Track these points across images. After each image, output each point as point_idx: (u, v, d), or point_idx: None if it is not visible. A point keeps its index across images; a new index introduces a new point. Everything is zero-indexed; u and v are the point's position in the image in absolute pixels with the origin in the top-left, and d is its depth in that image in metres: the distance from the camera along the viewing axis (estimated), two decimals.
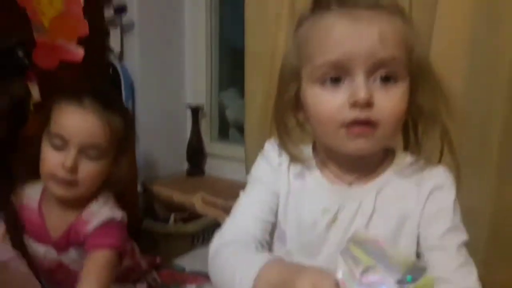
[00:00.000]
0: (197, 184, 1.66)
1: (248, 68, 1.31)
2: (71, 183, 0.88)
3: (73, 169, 0.86)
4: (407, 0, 1.01)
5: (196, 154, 1.77)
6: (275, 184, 0.71)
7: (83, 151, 0.88)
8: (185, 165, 1.80)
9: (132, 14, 1.63)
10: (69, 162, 0.85)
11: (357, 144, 0.61)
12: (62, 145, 0.87)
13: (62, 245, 0.92)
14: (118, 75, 1.59)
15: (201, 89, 1.78)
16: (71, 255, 0.93)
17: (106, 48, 1.62)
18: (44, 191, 0.95)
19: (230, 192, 1.57)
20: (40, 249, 0.93)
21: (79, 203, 0.92)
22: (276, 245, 0.72)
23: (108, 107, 0.90)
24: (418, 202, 0.66)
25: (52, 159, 0.87)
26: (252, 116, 1.32)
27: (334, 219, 0.67)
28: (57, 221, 0.93)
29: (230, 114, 1.81)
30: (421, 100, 0.62)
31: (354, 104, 0.58)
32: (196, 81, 1.78)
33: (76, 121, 0.87)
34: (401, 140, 0.70)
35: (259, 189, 0.72)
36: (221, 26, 1.77)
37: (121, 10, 1.58)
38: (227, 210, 1.46)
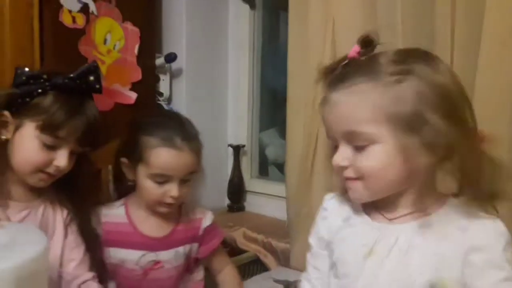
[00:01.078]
0: (237, 219, 1.72)
1: (290, 113, 1.37)
2: (174, 204, 1.06)
3: (179, 197, 1.04)
4: (449, 45, 1.04)
5: (236, 191, 1.85)
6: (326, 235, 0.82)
7: (182, 179, 1.04)
8: (226, 201, 1.87)
9: (181, 62, 1.77)
10: (175, 193, 1.03)
11: (352, 193, 0.74)
12: (164, 180, 1.03)
13: (164, 245, 1.09)
14: None
15: (243, 129, 1.88)
16: (170, 254, 1.09)
17: (156, 92, 1.75)
18: (128, 206, 1.11)
19: (269, 228, 1.63)
20: (134, 255, 1.07)
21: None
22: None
23: (193, 138, 1.05)
24: (460, 249, 0.68)
25: (157, 191, 1.03)
26: (293, 158, 1.37)
27: (370, 252, 0.72)
28: (154, 226, 1.10)
29: (270, 153, 1.89)
30: (459, 156, 0.66)
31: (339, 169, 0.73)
32: (238, 122, 1.89)
33: (175, 162, 1.02)
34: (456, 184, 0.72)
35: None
36: (262, 71, 1.89)
37: (171, 58, 1.72)
38: (266, 246, 1.52)
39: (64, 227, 1.01)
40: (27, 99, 0.90)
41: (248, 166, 1.88)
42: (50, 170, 0.93)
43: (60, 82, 0.91)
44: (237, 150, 1.83)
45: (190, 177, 1.05)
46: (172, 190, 1.03)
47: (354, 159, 0.70)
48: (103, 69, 1.56)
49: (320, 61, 1.21)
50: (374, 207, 0.76)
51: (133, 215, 1.10)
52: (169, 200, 1.04)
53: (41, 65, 1.32)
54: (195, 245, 1.14)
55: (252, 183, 1.87)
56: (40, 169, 0.92)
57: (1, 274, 0.58)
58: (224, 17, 1.88)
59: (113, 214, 1.09)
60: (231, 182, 1.84)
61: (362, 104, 0.68)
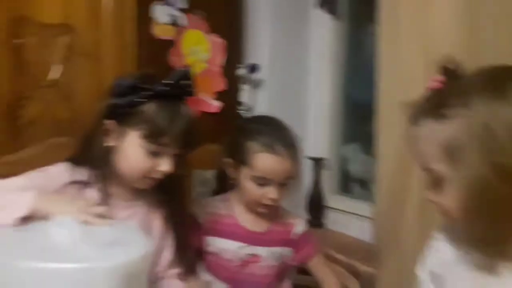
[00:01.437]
0: (316, 236, 1.67)
1: (382, 129, 1.31)
2: (271, 206, 1.13)
3: (277, 199, 1.11)
4: None
5: (315, 206, 1.79)
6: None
7: (281, 183, 1.11)
8: (303, 216, 1.82)
9: (262, 72, 1.76)
10: (274, 195, 1.10)
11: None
12: (264, 183, 1.11)
13: (261, 241, 1.16)
14: None
15: (323, 142, 1.83)
16: (266, 252, 1.16)
17: (238, 102, 1.76)
18: (230, 201, 1.19)
19: (352, 249, 1.56)
20: (233, 245, 1.14)
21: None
22: None
23: (293, 146, 1.12)
24: None
25: (257, 192, 1.12)
26: (384, 175, 1.31)
27: None
28: (253, 221, 1.17)
29: (352, 169, 1.82)
30: None
31: None
32: (318, 134, 1.84)
33: (275, 167, 1.10)
34: None
35: None
36: (344, 83, 1.83)
37: (254, 69, 1.72)
38: (347, 267, 1.45)
39: (161, 227, 1.04)
40: (129, 109, 0.93)
41: (328, 181, 1.82)
42: (156, 175, 0.96)
43: (160, 89, 0.93)
44: (317, 163, 1.78)
45: (288, 181, 1.12)
46: (271, 192, 1.10)
47: (435, 195, 0.69)
48: None
49: (413, 77, 1.16)
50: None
51: (236, 209, 1.18)
52: (268, 202, 1.11)
53: None
54: (288, 250, 1.20)
55: (333, 199, 1.80)
56: (146, 175, 0.95)
57: (107, 271, 0.59)
58: (306, 27, 1.85)
59: (217, 206, 1.18)
60: (310, 196, 1.79)
61: (429, 142, 0.67)
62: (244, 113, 1.74)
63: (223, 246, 1.15)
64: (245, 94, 1.77)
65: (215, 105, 1.68)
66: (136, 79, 0.95)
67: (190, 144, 0.99)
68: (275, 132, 1.13)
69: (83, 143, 0.98)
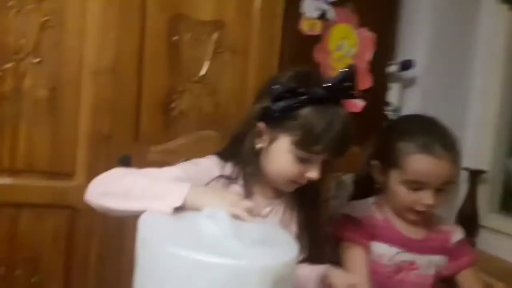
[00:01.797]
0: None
1: None
2: (425, 213, 1.04)
3: (433, 205, 1.01)
4: None
5: (467, 223, 1.57)
6: None
7: (437, 188, 1.01)
8: None
9: (416, 69, 1.60)
10: (430, 201, 1.01)
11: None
12: (418, 187, 1.01)
13: (419, 249, 1.08)
14: None
15: (484, 152, 1.59)
16: (424, 260, 1.08)
17: (384, 102, 1.63)
18: (382, 208, 1.11)
19: (505, 274, 1.34)
20: (390, 250, 1.07)
21: None
22: None
23: (453, 147, 1.02)
24: None
25: (410, 197, 1.03)
26: None
27: None
28: (409, 228, 1.09)
29: None
30: None
31: None
32: (479, 143, 1.60)
33: (432, 170, 1.00)
34: None
35: None
36: None
37: (407, 66, 1.57)
38: None
39: (295, 229, 1.02)
40: (284, 114, 0.89)
41: (486, 196, 1.58)
42: (302, 181, 0.93)
43: (319, 94, 0.88)
44: (475, 175, 1.56)
45: (445, 186, 1.02)
46: (426, 198, 1.01)
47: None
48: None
49: None
50: None
51: (387, 214, 1.10)
52: (421, 208, 1.02)
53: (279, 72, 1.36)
54: (444, 259, 1.11)
55: (489, 217, 1.57)
56: (292, 181, 0.93)
57: (258, 271, 0.57)
58: (474, 19, 1.62)
59: (367, 210, 1.10)
60: (462, 211, 1.58)
61: None
62: (390, 114, 1.60)
63: (379, 251, 1.08)
64: (394, 94, 1.64)
65: (358, 104, 1.58)
66: (293, 82, 0.91)
67: (343, 152, 0.93)
68: (433, 132, 1.03)
69: (233, 140, 0.98)
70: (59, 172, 1.30)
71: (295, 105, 0.88)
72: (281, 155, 0.91)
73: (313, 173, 0.90)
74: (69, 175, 1.30)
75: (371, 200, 1.14)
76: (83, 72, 1.27)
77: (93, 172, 1.29)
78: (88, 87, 1.27)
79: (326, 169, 0.94)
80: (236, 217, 0.72)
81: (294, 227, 1.01)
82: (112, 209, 0.83)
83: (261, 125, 0.92)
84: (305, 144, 0.87)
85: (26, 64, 1.23)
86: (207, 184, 0.94)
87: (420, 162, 1.00)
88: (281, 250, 0.64)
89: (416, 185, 1.01)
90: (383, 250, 1.07)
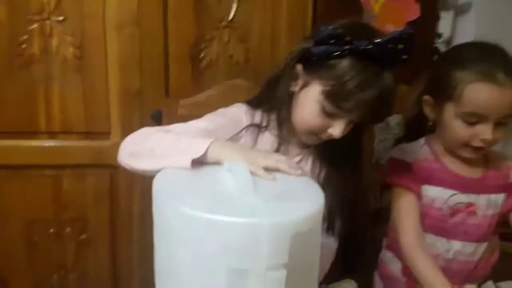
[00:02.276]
0: None
1: None
2: (483, 148, 0.96)
3: (492, 140, 0.94)
4: None
5: None
6: None
7: (498, 121, 0.93)
8: None
9: None
10: (488, 136, 0.93)
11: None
12: (476, 121, 0.93)
13: (476, 188, 1.02)
14: None
15: None
16: (482, 200, 1.02)
17: (435, 33, 1.48)
18: (431, 146, 1.05)
19: None
20: (444, 193, 1.01)
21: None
22: None
23: None
24: None
25: (466, 133, 0.95)
26: None
27: None
28: (464, 167, 1.02)
29: None
30: None
31: None
32: None
33: (494, 100, 0.91)
34: None
35: None
36: None
37: None
38: None
39: (322, 179, 0.99)
40: (323, 59, 0.83)
41: None
42: (323, 136, 0.89)
43: (362, 48, 0.80)
44: None
45: (507, 120, 0.94)
46: (485, 132, 0.93)
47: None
48: (376, 7, 1.39)
49: None
50: None
51: (439, 154, 1.04)
52: (478, 144, 0.95)
53: (314, 10, 1.25)
54: (503, 196, 1.04)
55: None
56: (313, 133, 0.90)
57: (274, 227, 0.53)
58: None
59: (419, 152, 1.04)
60: None
61: None
62: (441, 47, 1.46)
63: (432, 194, 1.01)
64: (445, 23, 1.49)
65: (416, 9, 1.41)
66: (341, 28, 0.83)
67: (374, 118, 0.89)
68: (495, 58, 0.92)
69: (268, 84, 0.95)
70: (95, 132, 1.29)
71: (336, 52, 0.81)
72: (308, 103, 0.87)
73: (335, 130, 0.85)
74: (105, 134, 1.29)
75: (422, 140, 1.06)
76: (107, 27, 1.22)
77: (128, 130, 1.27)
78: (114, 42, 1.23)
79: (358, 132, 0.92)
80: (256, 173, 0.68)
81: (321, 181, 0.98)
82: (139, 169, 0.81)
83: (299, 67, 0.88)
84: (334, 98, 0.82)
85: (51, 23, 1.20)
86: (237, 134, 0.91)
87: (480, 91, 0.91)
88: (300, 205, 0.59)
89: (474, 118, 0.92)
90: (436, 193, 1.01)
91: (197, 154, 0.71)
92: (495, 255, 1.08)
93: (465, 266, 1.03)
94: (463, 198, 1.01)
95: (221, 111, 0.96)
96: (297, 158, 0.96)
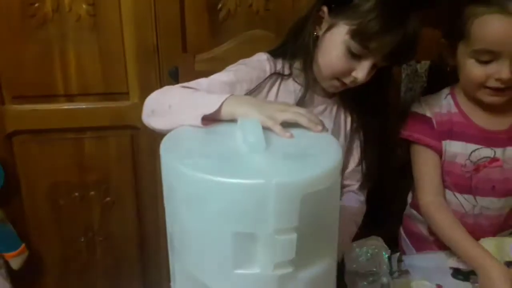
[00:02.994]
0: None
1: None
2: (504, 90, 0.88)
3: (509, 80, 0.85)
4: None
5: None
6: None
7: None
8: None
9: None
10: (505, 75, 0.84)
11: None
12: (491, 59, 0.85)
13: (502, 141, 0.95)
14: None
15: None
16: (510, 152, 0.95)
17: None
18: (456, 96, 0.98)
19: None
20: (466, 148, 0.95)
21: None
22: None
23: None
24: None
25: (479, 72, 0.87)
26: None
27: None
28: (490, 118, 0.96)
29: None
30: None
31: None
32: None
33: (507, 33, 0.82)
34: None
35: None
36: None
37: None
38: None
39: (348, 133, 0.98)
40: None
41: None
42: (347, 80, 0.87)
43: None
44: None
45: None
46: (501, 70, 0.84)
47: None
48: None
49: None
50: None
51: (463, 105, 0.97)
52: (495, 84, 0.86)
53: None
54: None
55: None
56: (337, 77, 0.87)
57: (282, 187, 0.49)
58: None
59: (442, 105, 0.98)
60: None
61: None
62: None
63: (454, 150, 0.96)
64: None
65: None
66: None
67: (402, 58, 0.87)
68: None
69: (292, 29, 0.93)
70: (113, 93, 1.27)
71: None
72: (333, 45, 0.85)
73: (359, 73, 0.84)
74: (123, 95, 1.27)
75: (446, 91, 0.99)
76: None
77: (146, 89, 1.26)
78: None
79: (384, 81, 0.91)
80: (272, 129, 0.63)
81: (347, 130, 0.97)
82: (158, 128, 0.77)
83: (324, 9, 0.87)
84: (360, 36, 0.81)
85: None
86: (261, 83, 0.88)
87: (489, 25, 0.83)
88: (313, 164, 0.54)
89: (486, 56, 0.85)
90: (458, 149, 0.95)
91: (210, 110, 0.66)
92: None
93: (495, 220, 0.98)
94: (487, 152, 0.94)
95: (242, 61, 0.93)
96: (321, 108, 0.94)
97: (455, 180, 0.97)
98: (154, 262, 1.41)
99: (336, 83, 0.88)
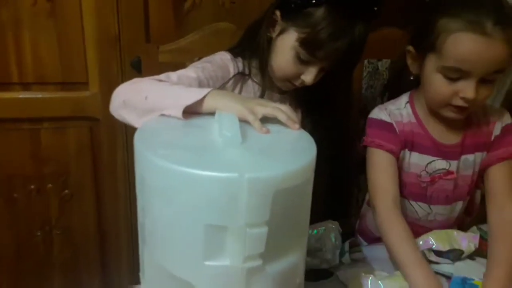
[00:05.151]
0: None
1: None
2: (466, 108, 0.85)
3: (473, 100, 0.82)
4: None
5: None
6: None
7: (483, 78, 0.82)
8: None
9: None
10: (470, 94, 0.82)
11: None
12: (459, 77, 0.82)
13: (457, 153, 0.94)
14: None
15: None
16: (461, 161, 0.95)
17: None
18: (414, 104, 0.96)
19: None
20: (422, 159, 0.95)
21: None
22: None
23: (509, 24, 0.78)
24: None
25: (446, 90, 0.84)
26: None
27: None
28: (443, 132, 0.94)
29: None
30: None
31: None
32: None
33: (479, 53, 0.79)
34: None
35: None
36: None
37: None
38: None
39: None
40: (300, 6, 0.84)
41: None
42: (296, 82, 0.90)
43: None
44: None
45: (494, 77, 0.82)
46: (467, 90, 0.81)
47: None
48: None
49: None
50: None
51: (421, 116, 0.95)
52: (459, 103, 0.84)
53: None
54: (483, 154, 0.95)
55: None
56: (288, 79, 0.90)
57: (256, 182, 0.49)
58: None
59: (402, 114, 0.96)
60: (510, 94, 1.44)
61: None
62: None
63: (411, 160, 0.94)
64: None
65: None
66: None
67: (346, 67, 0.90)
68: (486, 5, 0.79)
69: (249, 30, 0.96)
70: (72, 82, 1.22)
71: (312, 0, 0.82)
72: (284, 49, 0.88)
73: (307, 77, 0.87)
74: (82, 85, 1.23)
75: (405, 98, 0.97)
76: None
77: (106, 79, 1.23)
78: None
79: (340, 78, 0.93)
80: (250, 121, 0.64)
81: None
82: (131, 121, 0.74)
83: (277, 13, 0.89)
84: (308, 45, 0.84)
85: None
86: (226, 83, 0.91)
87: (463, 43, 0.79)
88: (287, 160, 0.55)
89: (456, 74, 0.82)
90: (415, 159, 0.95)
91: (192, 100, 0.66)
92: (476, 206, 1.04)
93: (445, 223, 1.00)
94: (442, 164, 0.94)
95: (206, 59, 0.93)
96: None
97: (410, 189, 0.96)
98: (113, 257, 1.39)
99: (288, 84, 0.92)
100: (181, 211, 0.50)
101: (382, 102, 1.08)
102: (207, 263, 0.51)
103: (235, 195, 0.48)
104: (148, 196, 0.54)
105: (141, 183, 0.55)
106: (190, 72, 0.85)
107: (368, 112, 1.02)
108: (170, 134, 0.60)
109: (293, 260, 0.56)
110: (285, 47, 0.87)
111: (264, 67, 0.92)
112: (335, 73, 0.91)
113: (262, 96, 0.93)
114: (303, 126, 0.96)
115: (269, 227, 0.50)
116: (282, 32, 0.87)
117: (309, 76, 0.87)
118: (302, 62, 0.86)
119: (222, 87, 0.89)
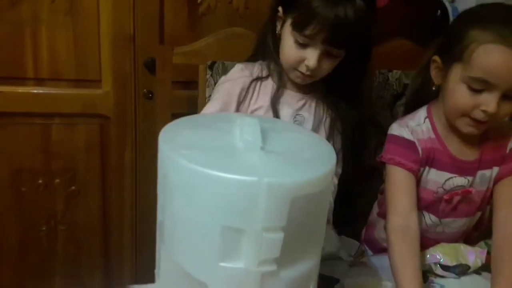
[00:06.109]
0: None
1: None
2: (484, 123, 0.85)
3: (494, 114, 0.82)
4: None
5: None
6: None
7: (506, 94, 0.82)
8: None
9: None
10: (492, 108, 0.81)
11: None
12: (483, 88, 0.82)
13: (473, 170, 0.93)
14: (447, 18, 1.41)
15: None
16: (477, 179, 0.94)
17: None
18: (433, 119, 0.95)
19: None
20: (439, 176, 0.94)
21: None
22: None
23: None
24: None
25: (467, 100, 0.83)
26: None
27: None
28: (462, 148, 0.93)
29: None
30: None
31: None
32: None
33: (508, 66, 0.79)
34: None
35: None
36: None
37: None
38: None
39: (328, 124, 1.01)
40: None
41: None
42: (302, 69, 0.90)
43: None
44: None
45: None
46: (489, 103, 0.81)
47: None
48: None
49: None
50: None
51: (440, 131, 0.94)
52: (479, 116, 0.83)
53: None
54: (497, 170, 0.94)
55: None
56: (294, 67, 0.91)
57: (270, 187, 0.49)
58: None
59: (422, 130, 0.94)
60: None
61: None
62: (444, 1, 1.43)
63: (429, 177, 0.93)
64: None
65: None
66: None
67: (346, 43, 0.87)
68: None
69: (260, 31, 0.99)
70: (85, 80, 1.24)
71: None
72: (285, 39, 0.90)
73: (310, 61, 0.88)
74: (95, 82, 1.24)
75: (423, 114, 0.95)
76: None
77: (119, 78, 1.24)
78: None
79: (355, 68, 0.93)
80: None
81: (327, 122, 1.00)
82: None
83: (280, 9, 0.92)
84: (298, 25, 0.86)
85: None
86: (246, 94, 0.95)
87: (493, 54, 0.79)
88: (306, 167, 0.55)
89: (480, 85, 0.81)
90: (433, 176, 0.93)
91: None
92: (485, 221, 1.02)
93: (454, 236, 1.00)
94: (461, 181, 0.93)
95: (224, 79, 0.98)
96: (301, 103, 0.98)
97: (425, 204, 0.96)
98: (116, 253, 1.40)
99: (297, 73, 0.92)
100: (200, 211, 0.51)
101: (391, 113, 1.09)
102: (222, 264, 0.52)
103: (253, 199, 0.49)
104: (169, 195, 0.55)
105: (163, 181, 0.56)
106: (211, 107, 0.93)
107: (378, 121, 1.03)
108: (193, 135, 0.61)
109: (307, 267, 0.56)
110: (286, 36, 0.90)
111: (277, 64, 0.95)
112: (348, 63, 0.92)
113: (277, 93, 0.95)
114: (331, 121, 0.99)
115: (286, 233, 0.50)
116: (283, 24, 0.91)
117: (311, 60, 0.87)
118: (301, 45, 0.88)
119: (244, 99, 0.95)
